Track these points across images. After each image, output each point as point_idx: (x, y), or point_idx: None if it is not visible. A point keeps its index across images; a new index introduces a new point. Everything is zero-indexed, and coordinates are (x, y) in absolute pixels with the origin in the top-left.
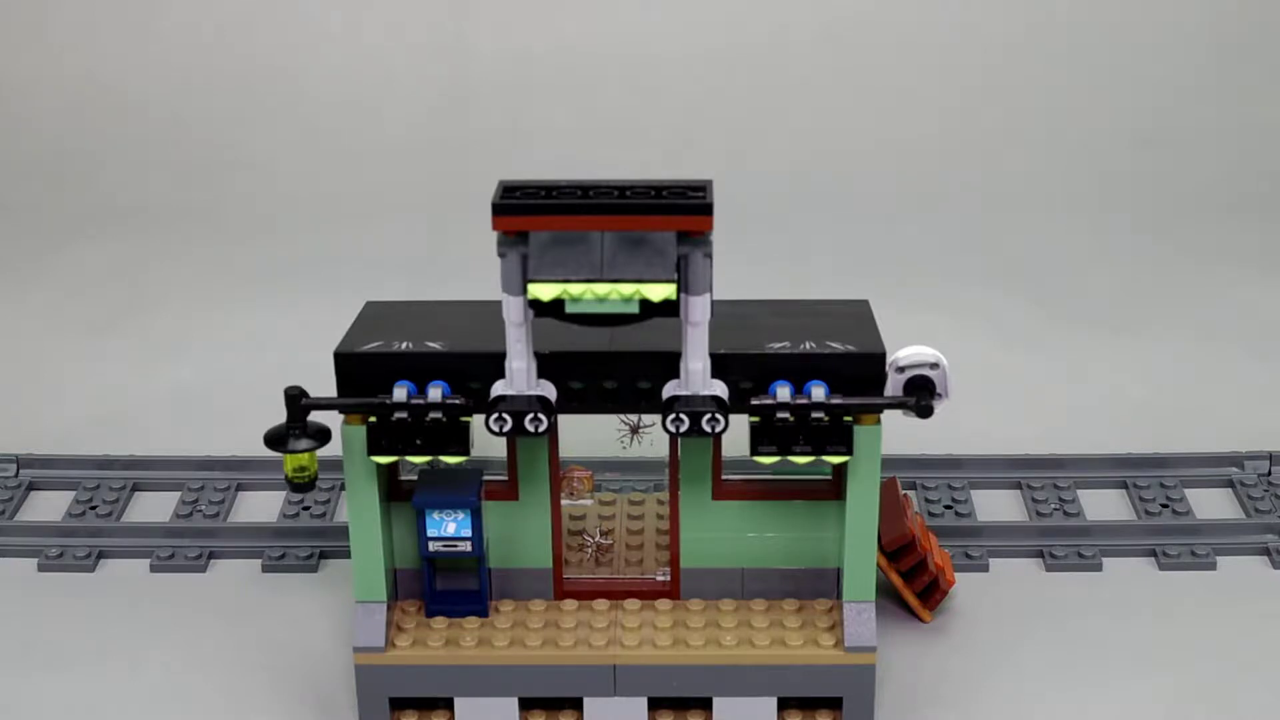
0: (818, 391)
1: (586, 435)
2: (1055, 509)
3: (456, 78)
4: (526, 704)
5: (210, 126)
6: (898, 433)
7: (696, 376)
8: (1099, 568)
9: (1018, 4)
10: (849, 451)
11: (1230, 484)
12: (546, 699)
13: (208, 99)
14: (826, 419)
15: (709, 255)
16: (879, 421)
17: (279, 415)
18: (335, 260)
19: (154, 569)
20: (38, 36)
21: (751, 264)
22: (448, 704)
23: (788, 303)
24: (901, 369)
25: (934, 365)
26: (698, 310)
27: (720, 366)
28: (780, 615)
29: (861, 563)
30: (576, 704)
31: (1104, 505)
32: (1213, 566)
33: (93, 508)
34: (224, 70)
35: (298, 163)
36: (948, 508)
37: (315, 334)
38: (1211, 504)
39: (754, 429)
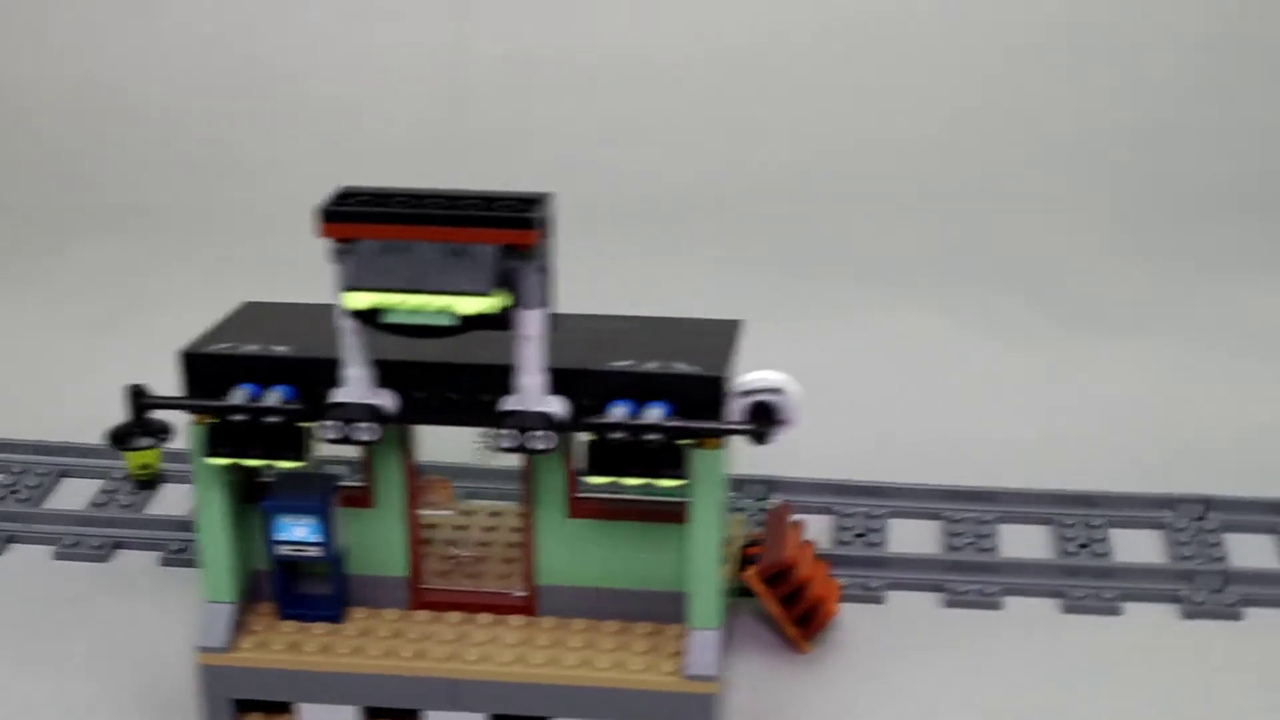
0: (654, 413)
1: (448, 443)
2: (969, 543)
3: (457, 78)
4: (372, 713)
5: (210, 126)
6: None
7: (530, 392)
8: (998, 605)
9: (1018, 4)
10: (683, 476)
11: (1160, 527)
12: (389, 709)
13: (208, 99)
14: (661, 441)
15: (544, 270)
16: (723, 446)
17: None
18: None
19: None
20: (38, 36)
21: (751, 264)
22: (294, 708)
23: (658, 320)
24: (745, 393)
25: (777, 391)
26: (529, 325)
27: (561, 382)
28: (629, 638)
29: (704, 589)
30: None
31: (1023, 541)
32: (1118, 612)
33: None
34: (224, 70)
35: (298, 163)
36: (859, 536)
37: None
38: (1136, 547)
39: (588, 449)
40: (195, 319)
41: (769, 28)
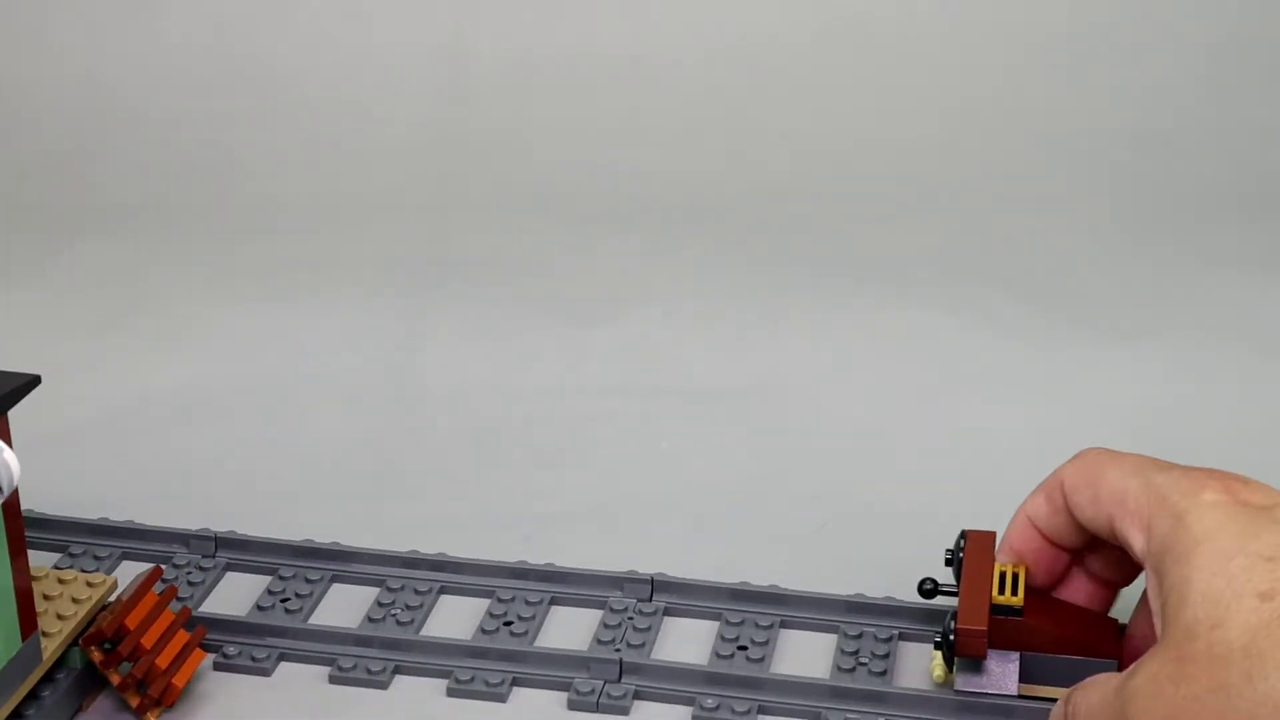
0: None
1: None
2: (391, 616)
3: (457, 78)
4: None
5: (210, 126)
6: None
7: None
8: (385, 685)
9: (1018, 4)
10: None
11: (602, 607)
12: None
13: (208, 99)
14: None
15: None
16: None
17: (278, 416)
18: (335, 260)
19: None
20: (38, 36)
21: (751, 264)
22: None
23: None
24: None
25: None
26: None
27: None
28: None
29: None
30: None
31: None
32: (504, 699)
33: None
34: (224, 70)
35: (298, 163)
36: (285, 601)
37: (315, 334)
38: (562, 631)
39: None
40: (195, 319)
41: (769, 28)
